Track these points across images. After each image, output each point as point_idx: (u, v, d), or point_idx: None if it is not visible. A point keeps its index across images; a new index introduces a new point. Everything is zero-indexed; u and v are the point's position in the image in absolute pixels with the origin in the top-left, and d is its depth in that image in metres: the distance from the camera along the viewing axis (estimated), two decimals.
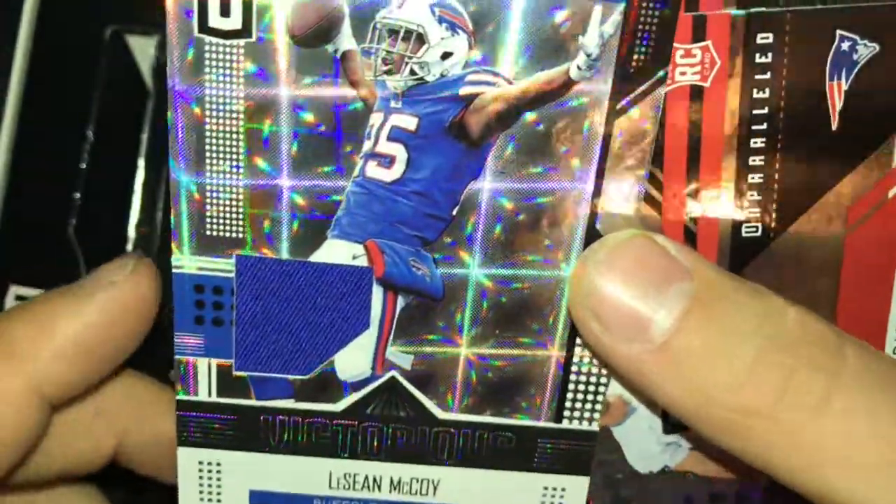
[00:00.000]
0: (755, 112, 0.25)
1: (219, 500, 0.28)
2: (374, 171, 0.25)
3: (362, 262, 0.26)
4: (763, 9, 0.25)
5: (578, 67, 0.24)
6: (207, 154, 0.25)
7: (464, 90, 0.25)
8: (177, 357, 0.27)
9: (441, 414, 0.28)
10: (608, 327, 0.23)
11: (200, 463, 0.28)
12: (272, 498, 0.28)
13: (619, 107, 0.25)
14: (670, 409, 0.24)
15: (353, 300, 0.26)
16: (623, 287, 0.23)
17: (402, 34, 0.24)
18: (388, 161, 0.25)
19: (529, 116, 0.25)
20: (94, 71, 0.36)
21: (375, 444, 0.28)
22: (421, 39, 0.24)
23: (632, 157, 0.25)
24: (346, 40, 0.24)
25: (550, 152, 0.25)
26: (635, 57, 0.24)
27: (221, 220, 0.26)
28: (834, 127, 0.25)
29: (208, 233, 0.26)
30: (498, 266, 0.26)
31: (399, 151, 0.25)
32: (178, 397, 0.27)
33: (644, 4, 0.24)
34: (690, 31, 0.25)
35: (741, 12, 0.25)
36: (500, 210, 0.26)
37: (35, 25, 0.35)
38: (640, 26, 0.24)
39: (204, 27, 0.24)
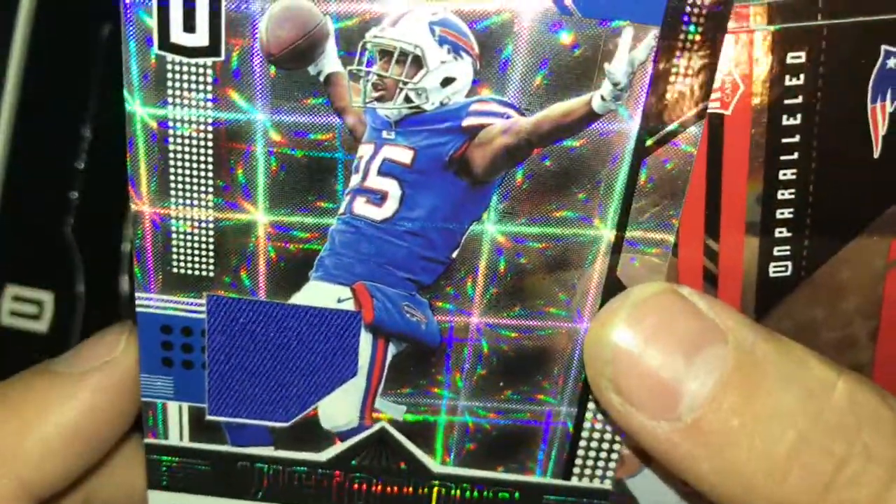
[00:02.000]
0: (784, 141, 0.23)
1: None
2: (362, 208, 0.23)
3: (349, 305, 0.24)
4: (795, 23, 0.23)
5: (603, 98, 0.21)
6: (172, 184, 0.23)
7: (467, 121, 0.22)
8: (144, 399, 0.26)
9: (436, 468, 0.26)
10: (631, 401, 0.21)
11: None
12: None
13: (647, 145, 0.22)
14: (705, 494, 0.21)
15: (338, 346, 0.25)
16: (647, 354, 0.21)
17: (396, 56, 0.22)
18: (378, 197, 0.23)
19: (541, 152, 0.22)
20: (92, 69, 0.35)
21: (363, 496, 0.26)
22: (418, 62, 0.22)
23: (661, 204, 0.23)
24: (330, 62, 0.22)
25: (565, 193, 0.23)
26: (669, 89, 0.22)
27: (189, 257, 0.24)
28: (876, 154, 0.23)
29: (175, 270, 0.24)
30: (502, 315, 0.24)
31: (392, 187, 0.23)
32: (147, 441, 0.26)
33: (682, 28, 0.21)
34: None
35: (769, 28, 0.23)
36: (505, 255, 0.23)
37: (32, 23, 0.34)
38: (677, 53, 0.21)
39: (165, 43, 0.22)
